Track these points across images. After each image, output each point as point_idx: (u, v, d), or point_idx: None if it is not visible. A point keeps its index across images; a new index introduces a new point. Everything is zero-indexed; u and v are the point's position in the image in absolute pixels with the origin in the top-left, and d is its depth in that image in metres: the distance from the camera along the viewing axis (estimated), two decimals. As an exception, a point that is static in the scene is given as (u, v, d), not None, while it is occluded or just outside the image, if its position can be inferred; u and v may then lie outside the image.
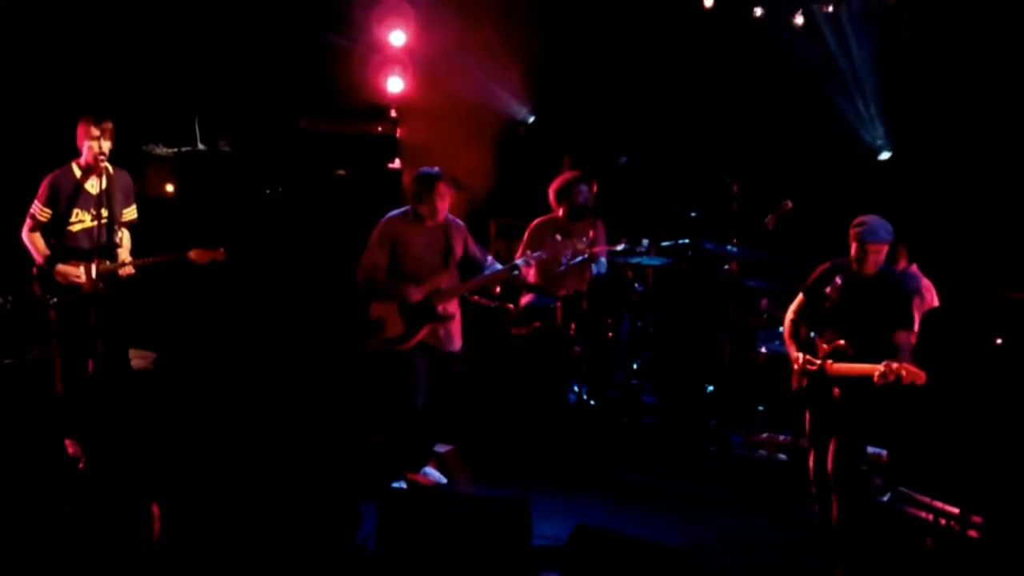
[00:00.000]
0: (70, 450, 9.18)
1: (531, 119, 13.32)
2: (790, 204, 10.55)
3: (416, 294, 9.25)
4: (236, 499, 7.84)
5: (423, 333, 9.28)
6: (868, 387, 7.84)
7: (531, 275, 10.37)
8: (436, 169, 9.36)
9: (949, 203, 11.72)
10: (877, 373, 7.74)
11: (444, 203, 9.32)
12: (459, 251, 9.46)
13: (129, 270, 9.18)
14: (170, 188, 12.28)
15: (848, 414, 8.05)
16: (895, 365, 7.69)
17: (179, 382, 11.02)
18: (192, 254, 9.23)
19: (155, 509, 7.27)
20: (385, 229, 9.39)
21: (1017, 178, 11.50)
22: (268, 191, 12.52)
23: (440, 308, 9.31)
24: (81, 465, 9.04)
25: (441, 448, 10.04)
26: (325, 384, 10.94)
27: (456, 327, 9.49)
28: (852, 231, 8.05)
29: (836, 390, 8.04)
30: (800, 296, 8.43)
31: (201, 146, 12.64)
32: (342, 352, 11.04)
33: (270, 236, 12.17)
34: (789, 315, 8.46)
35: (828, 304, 8.18)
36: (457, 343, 9.50)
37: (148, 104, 12.18)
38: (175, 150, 12.51)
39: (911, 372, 7.69)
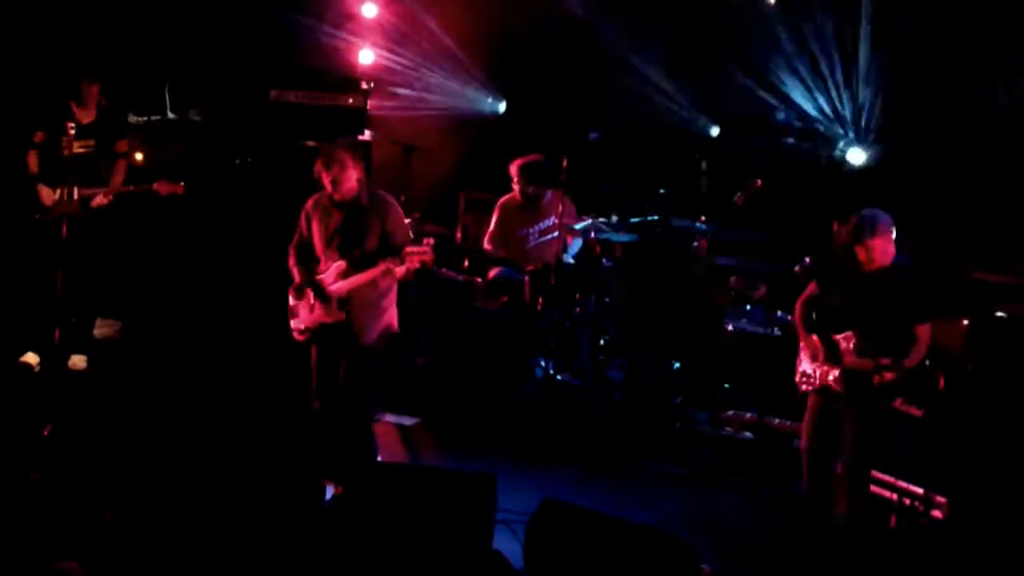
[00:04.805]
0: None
1: (502, 107, 13.34)
2: (759, 182, 10.57)
3: (294, 289, 8.55)
4: (201, 473, 7.80)
5: (308, 326, 8.55)
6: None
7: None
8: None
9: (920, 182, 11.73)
10: (873, 369, 7.73)
11: (343, 174, 8.28)
12: (372, 237, 8.42)
13: (102, 200, 10.20)
14: (139, 157, 12.21)
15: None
16: (886, 362, 7.69)
17: (145, 352, 11.03)
18: (157, 185, 10.24)
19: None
20: (303, 208, 8.64)
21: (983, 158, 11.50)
22: (237, 161, 12.47)
23: (321, 303, 8.44)
24: (46, 432, 9.00)
25: (407, 421, 10.06)
26: (292, 358, 10.89)
27: (368, 319, 8.55)
28: (852, 229, 7.85)
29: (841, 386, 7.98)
30: (813, 285, 8.21)
31: (171, 115, 12.61)
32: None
33: (239, 206, 12.15)
34: (800, 304, 8.24)
35: (841, 301, 8.01)
36: (366, 337, 8.55)
37: (118, 73, 12.10)
38: (145, 119, 12.47)
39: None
